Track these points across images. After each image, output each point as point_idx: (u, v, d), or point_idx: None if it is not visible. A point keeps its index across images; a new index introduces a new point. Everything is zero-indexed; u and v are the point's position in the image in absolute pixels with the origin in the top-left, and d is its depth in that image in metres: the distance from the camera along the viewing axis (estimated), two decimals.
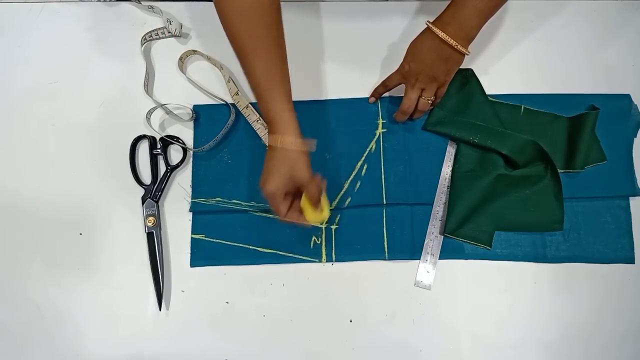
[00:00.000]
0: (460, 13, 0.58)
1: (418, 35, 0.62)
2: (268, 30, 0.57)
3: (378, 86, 0.67)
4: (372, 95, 0.69)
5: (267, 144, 0.59)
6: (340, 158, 0.68)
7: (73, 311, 0.64)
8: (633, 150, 0.68)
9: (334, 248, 0.65)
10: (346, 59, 0.72)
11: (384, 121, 0.69)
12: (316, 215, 0.58)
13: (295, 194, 0.59)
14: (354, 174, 0.67)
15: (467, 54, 0.60)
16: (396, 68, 0.65)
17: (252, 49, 0.57)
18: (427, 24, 0.61)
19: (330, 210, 0.60)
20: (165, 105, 0.68)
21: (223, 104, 0.70)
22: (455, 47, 0.59)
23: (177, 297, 0.64)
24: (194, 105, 0.70)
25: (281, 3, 0.74)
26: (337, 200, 0.66)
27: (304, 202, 0.58)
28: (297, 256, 0.65)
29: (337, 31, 0.73)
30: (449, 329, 0.64)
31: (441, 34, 0.58)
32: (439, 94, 0.65)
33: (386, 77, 0.66)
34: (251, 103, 0.70)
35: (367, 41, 0.72)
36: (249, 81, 0.60)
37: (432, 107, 0.67)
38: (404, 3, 0.74)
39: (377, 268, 0.65)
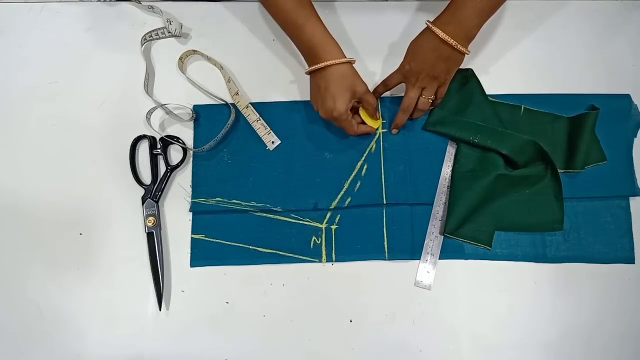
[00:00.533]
0: (460, 12, 0.58)
1: (418, 35, 0.62)
2: None
3: (378, 85, 0.67)
4: (373, 92, 0.69)
5: (310, 71, 0.61)
6: (340, 158, 0.68)
7: (73, 311, 0.64)
8: (633, 150, 0.68)
9: (334, 248, 0.65)
10: None
11: (384, 121, 0.69)
12: (375, 121, 0.66)
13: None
14: (354, 174, 0.67)
15: (467, 54, 0.60)
16: (396, 67, 0.65)
17: None
18: (427, 24, 0.61)
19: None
20: (165, 105, 0.68)
21: (223, 104, 0.70)
22: (455, 46, 0.59)
23: (177, 297, 0.64)
24: (194, 105, 0.70)
25: None
26: (337, 200, 0.66)
27: (363, 113, 0.65)
28: (297, 256, 0.65)
29: (337, 31, 0.73)
30: (449, 329, 0.64)
31: (441, 33, 0.58)
32: (439, 94, 0.65)
33: (386, 76, 0.66)
34: (251, 103, 0.70)
35: (367, 41, 0.72)
36: (282, 21, 0.61)
37: (432, 106, 0.67)
38: (404, 3, 0.74)
39: (377, 268, 0.65)
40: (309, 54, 0.61)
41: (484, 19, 0.59)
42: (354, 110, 0.65)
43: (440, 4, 0.61)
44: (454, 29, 0.58)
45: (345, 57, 0.61)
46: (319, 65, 0.59)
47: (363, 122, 0.66)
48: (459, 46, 0.59)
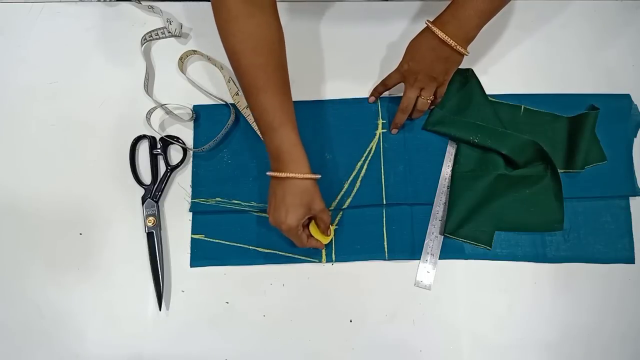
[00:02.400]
0: (460, 13, 0.58)
1: (417, 35, 0.62)
2: (277, 62, 0.57)
3: (378, 85, 0.68)
4: (371, 95, 0.69)
5: (271, 176, 0.58)
6: (340, 158, 0.68)
7: (73, 311, 0.64)
8: (633, 150, 0.68)
9: (334, 248, 0.65)
10: (346, 59, 0.72)
11: (384, 121, 0.69)
12: (326, 237, 0.62)
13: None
14: (354, 174, 0.67)
15: (466, 54, 0.60)
16: (396, 67, 0.65)
17: (264, 82, 0.56)
18: (426, 23, 0.60)
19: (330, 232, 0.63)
20: (165, 105, 0.68)
21: (223, 104, 0.70)
22: (455, 47, 0.59)
23: (177, 297, 0.64)
24: (194, 105, 0.70)
25: (282, 3, 0.74)
26: (337, 200, 0.66)
27: (313, 228, 0.61)
28: (297, 256, 0.65)
29: (337, 31, 0.73)
30: (449, 329, 0.64)
31: (440, 33, 0.58)
32: (438, 94, 0.65)
33: (386, 76, 0.66)
34: None
35: (367, 41, 0.72)
36: (257, 116, 0.57)
37: (431, 106, 0.67)
38: (404, 3, 0.74)
39: (377, 268, 0.65)
40: (275, 158, 0.57)
41: (485, 20, 0.59)
42: (306, 222, 0.61)
43: (440, 4, 0.61)
44: (453, 30, 0.58)
45: (310, 172, 0.57)
46: (280, 174, 0.56)
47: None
48: (458, 47, 0.59)
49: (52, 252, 0.65)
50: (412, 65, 0.62)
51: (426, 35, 0.61)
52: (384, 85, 0.66)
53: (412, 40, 0.63)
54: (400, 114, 0.66)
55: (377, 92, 0.68)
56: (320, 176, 0.58)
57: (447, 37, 0.58)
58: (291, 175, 0.55)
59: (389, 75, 0.66)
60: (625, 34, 0.73)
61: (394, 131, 0.68)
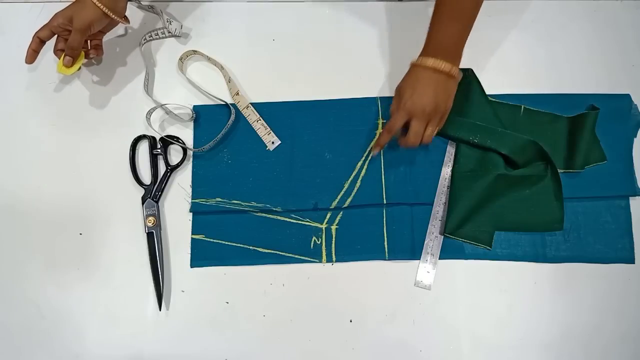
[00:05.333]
0: (442, 40, 0.59)
1: (406, 74, 0.62)
2: None
3: (382, 135, 0.63)
4: (376, 146, 0.64)
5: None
6: (340, 158, 0.68)
7: (73, 311, 0.64)
8: (633, 150, 0.68)
9: (334, 248, 0.65)
10: (347, 60, 0.72)
11: (384, 121, 0.69)
12: None
13: None
14: (354, 174, 0.67)
15: (459, 78, 0.61)
16: (396, 110, 0.62)
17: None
18: (413, 63, 0.61)
19: None
20: (165, 105, 0.68)
21: (223, 104, 0.70)
22: (450, 71, 0.59)
23: (177, 297, 0.64)
24: (194, 105, 0.70)
25: (282, 3, 0.75)
26: (337, 200, 0.66)
27: None
28: (297, 256, 0.65)
29: (338, 31, 0.73)
30: (449, 329, 0.64)
31: (433, 63, 0.58)
32: (440, 124, 0.63)
33: (387, 122, 0.62)
34: (251, 103, 0.70)
35: (367, 41, 0.73)
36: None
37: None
38: (405, 4, 0.75)
39: (377, 268, 0.65)
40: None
41: (466, 35, 0.59)
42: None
43: None
44: (442, 57, 0.59)
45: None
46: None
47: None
48: (452, 71, 0.59)
49: (51, 252, 0.65)
50: (416, 99, 0.60)
51: (419, 70, 0.60)
52: (389, 131, 0.62)
53: (403, 81, 0.62)
54: (386, 134, 0.62)
55: (381, 142, 0.63)
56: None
57: (440, 63, 0.58)
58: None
59: (392, 120, 0.61)
60: (625, 34, 0.73)
61: (376, 151, 0.65)
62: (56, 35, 0.64)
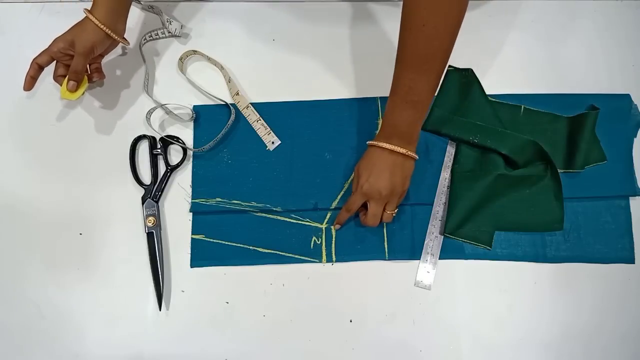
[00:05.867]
0: (398, 125, 0.58)
1: (363, 156, 0.62)
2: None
3: (341, 213, 0.64)
4: (336, 223, 0.65)
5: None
6: (340, 158, 0.68)
7: (73, 311, 0.64)
8: (633, 150, 0.68)
9: (334, 248, 0.65)
10: (346, 60, 0.72)
11: None
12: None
13: None
14: (354, 174, 0.67)
15: (417, 159, 0.60)
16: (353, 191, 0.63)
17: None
18: (370, 143, 0.61)
19: None
20: (165, 105, 0.68)
21: (223, 104, 0.70)
22: (406, 154, 0.59)
23: (177, 297, 0.64)
24: (194, 105, 0.70)
25: (283, 3, 0.75)
26: (337, 200, 0.66)
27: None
28: (297, 256, 0.65)
29: (338, 31, 0.73)
30: (449, 329, 0.64)
31: (389, 145, 0.58)
32: (398, 203, 0.63)
33: (346, 202, 0.63)
34: (251, 103, 0.70)
35: (367, 41, 0.73)
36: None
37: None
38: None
39: (377, 268, 0.65)
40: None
41: (421, 122, 0.59)
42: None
43: None
44: (398, 140, 0.58)
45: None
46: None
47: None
48: (409, 153, 0.59)
49: (51, 252, 0.65)
50: (373, 182, 0.60)
51: (375, 152, 0.60)
52: (348, 211, 0.63)
53: (361, 161, 0.62)
54: (344, 212, 0.63)
55: (341, 220, 0.64)
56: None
57: (397, 147, 0.58)
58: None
59: (349, 201, 0.62)
60: (625, 34, 0.73)
61: (337, 227, 0.66)
62: (55, 62, 0.64)
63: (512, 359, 0.63)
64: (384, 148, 0.59)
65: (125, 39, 0.66)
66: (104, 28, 0.61)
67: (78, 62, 0.62)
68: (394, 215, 0.63)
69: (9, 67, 0.71)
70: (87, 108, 0.70)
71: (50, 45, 0.62)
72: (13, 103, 0.70)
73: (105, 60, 0.72)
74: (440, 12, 0.51)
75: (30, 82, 0.63)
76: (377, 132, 0.62)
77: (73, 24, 0.63)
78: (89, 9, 0.62)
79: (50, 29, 0.72)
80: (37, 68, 0.63)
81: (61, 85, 0.64)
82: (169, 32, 0.72)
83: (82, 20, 0.62)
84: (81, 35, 0.61)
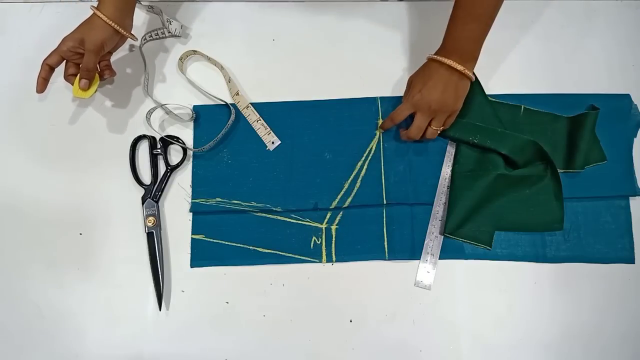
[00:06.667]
0: (460, 40, 0.59)
1: (421, 67, 0.62)
2: None
3: (385, 120, 0.65)
4: (381, 127, 0.67)
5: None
6: (340, 158, 0.68)
7: (73, 311, 0.64)
8: (633, 150, 0.68)
9: (334, 248, 0.65)
10: (347, 60, 0.72)
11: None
12: None
13: None
14: (354, 174, 0.67)
15: (473, 80, 0.61)
16: (404, 100, 0.63)
17: None
18: (430, 57, 0.61)
19: None
20: (165, 105, 0.68)
21: (223, 104, 0.70)
22: (463, 71, 0.59)
23: (177, 297, 0.64)
24: (194, 106, 0.70)
25: (283, 3, 0.75)
26: (337, 200, 0.66)
27: None
28: (297, 256, 0.65)
29: (338, 31, 0.73)
30: (449, 329, 0.64)
31: (448, 61, 0.59)
32: (447, 124, 0.64)
33: (394, 111, 0.64)
34: (251, 103, 0.70)
35: (367, 41, 0.73)
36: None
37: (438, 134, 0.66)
38: (404, 4, 0.74)
39: (377, 268, 0.65)
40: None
41: (484, 37, 0.59)
42: None
43: (439, 5, 0.61)
44: (459, 57, 0.59)
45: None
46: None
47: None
48: (466, 71, 0.59)
49: (52, 252, 0.65)
50: (425, 94, 0.61)
51: (432, 66, 0.61)
52: (393, 120, 0.64)
53: (416, 73, 0.63)
54: (389, 121, 0.65)
55: (384, 127, 0.66)
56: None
57: (455, 63, 0.58)
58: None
59: (398, 110, 0.63)
60: (625, 34, 0.73)
61: (381, 131, 0.67)
62: (65, 61, 0.63)
63: (511, 358, 0.63)
64: (442, 63, 0.59)
65: (133, 35, 0.66)
66: (113, 24, 0.61)
67: (89, 59, 0.61)
68: (438, 132, 0.63)
69: (9, 67, 0.71)
70: (87, 108, 0.70)
71: (59, 45, 0.62)
72: (13, 103, 0.70)
73: None
74: None
75: (43, 84, 0.62)
76: (439, 47, 0.62)
77: (79, 23, 0.62)
78: (96, 6, 0.62)
79: (51, 29, 0.73)
80: (48, 69, 0.62)
81: (72, 84, 0.64)
82: (169, 32, 0.72)
83: (90, 17, 0.62)
84: (90, 32, 0.61)
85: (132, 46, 0.72)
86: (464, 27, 0.58)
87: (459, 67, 0.59)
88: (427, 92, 0.60)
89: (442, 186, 0.67)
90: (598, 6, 0.74)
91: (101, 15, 0.61)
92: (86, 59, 0.61)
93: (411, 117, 0.64)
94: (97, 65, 0.64)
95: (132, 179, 0.67)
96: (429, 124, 0.63)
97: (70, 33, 0.62)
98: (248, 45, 0.73)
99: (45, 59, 0.62)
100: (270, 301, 0.64)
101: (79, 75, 0.63)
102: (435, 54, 0.61)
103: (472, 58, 0.60)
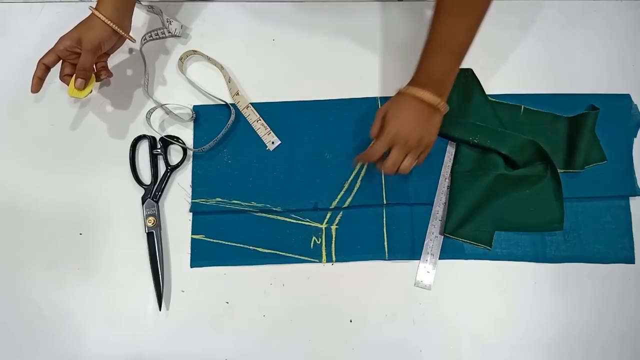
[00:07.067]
0: (433, 73, 0.58)
1: (393, 99, 0.60)
2: None
3: (360, 157, 0.62)
4: (357, 160, 0.64)
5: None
6: (340, 158, 0.68)
7: (73, 311, 0.64)
8: (633, 150, 0.68)
9: (334, 248, 0.65)
10: (347, 59, 0.72)
11: None
12: None
13: None
14: (353, 174, 0.67)
15: (446, 112, 0.60)
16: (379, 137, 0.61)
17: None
18: (402, 91, 0.59)
19: None
20: (165, 105, 0.68)
21: (223, 104, 0.70)
22: (438, 105, 0.58)
23: (177, 297, 0.64)
24: (194, 106, 0.70)
25: (283, 3, 0.75)
26: (337, 200, 0.66)
27: None
28: (297, 256, 0.65)
29: (337, 31, 0.73)
30: (449, 329, 0.64)
31: (421, 94, 0.57)
32: (420, 159, 0.62)
33: (369, 147, 0.60)
34: (251, 103, 0.70)
35: (367, 41, 0.73)
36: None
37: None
38: (404, 4, 0.75)
39: (377, 268, 0.65)
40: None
41: (456, 72, 0.58)
42: None
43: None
44: (433, 89, 0.57)
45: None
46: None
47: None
48: (440, 104, 0.58)
49: (52, 252, 0.65)
50: (400, 129, 0.58)
51: (406, 99, 0.59)
52: (369, 158, 0.61)
53: (388, 106, 0.60)
54: (366, 158, 0.61)
55: (360, 161, 0.65)
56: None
57: (432, 96, 0.57)
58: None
59: (375, 147, 0.59)
60: (625, 34, 0.73)
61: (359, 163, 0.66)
62: (61, 61, 0.63)
63: (511, 358, 0.63)
64: (414, 96, 0.58)
65: (131, 36, 0.66)
66: (111, 24, 0.61)
67: (86, 59, 0.61)
68: (412, 167, 0.61)
69: (9, 67, 0.71)
70: (87, 108, 0.70)
71: (56, 44, 0.61)
72: (13, 103, 0.70)
73: None
74: None
75: (38, 83, 0.62)
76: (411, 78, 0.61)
77: (77, 23, 0.62)
78: (94, 6, 0.62)
79: (51, 29, 0.72)
80: (43, 68, 0.62)
81: (68, 84, 0.64)
82: (169, 32, 0.72)
83: (88, 17, 0.62)
84: (88, 32, 0.61)
85: (131, 49, 0.72)
86: (437, 60, 0.57)
87: (432, 101, 0.57)
88: (403, 126, 0.58)
89: (442, 186, 0.67)
90: (598, 6, 0.74)
91: (99, 15, 0.61)
92: (83, 59, 0.61)
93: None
94: (94, 66, 0.64)
95: (132, 179, 0.67)
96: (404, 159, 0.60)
97: (68, 32, 0.62)
98: (248, 45, 0.73)
99: (41, 58, 0.61)
100: (270, 301, 0.64)
101: (74, 74, 0.63)
102: (406, 86, 0.59)
103: (444, 91, 0.59)
